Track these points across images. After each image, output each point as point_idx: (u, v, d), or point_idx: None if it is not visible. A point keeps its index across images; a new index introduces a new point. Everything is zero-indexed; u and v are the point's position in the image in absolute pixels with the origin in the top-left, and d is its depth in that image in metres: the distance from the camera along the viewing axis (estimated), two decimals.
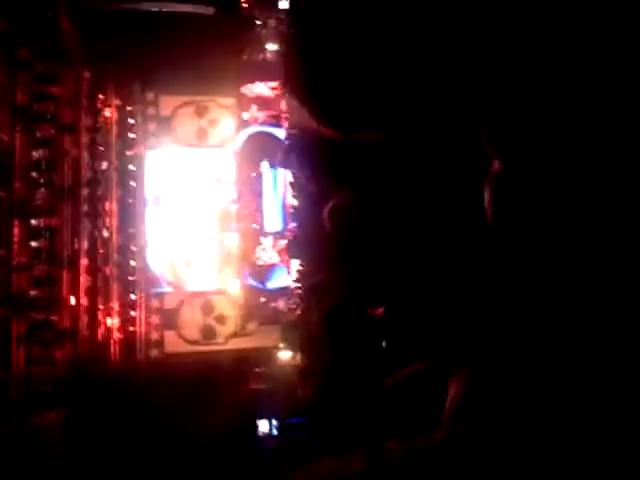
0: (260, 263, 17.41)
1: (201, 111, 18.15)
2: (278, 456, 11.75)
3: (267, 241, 17.44)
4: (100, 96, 17.00)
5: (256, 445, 13.65)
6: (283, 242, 16.11)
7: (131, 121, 17.71)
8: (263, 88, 17.29)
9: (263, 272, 17.40)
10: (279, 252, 16.58)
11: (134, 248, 17.50)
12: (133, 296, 17.28)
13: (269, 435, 13.76)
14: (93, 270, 16.36)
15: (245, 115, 17.80)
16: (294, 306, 14.85)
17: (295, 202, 14.10)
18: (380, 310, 2.60)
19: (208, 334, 17.50)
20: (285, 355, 14.45)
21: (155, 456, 12.96)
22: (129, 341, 17.16)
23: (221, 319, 17.57)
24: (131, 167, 17.69)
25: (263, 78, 17.05)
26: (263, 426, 13.89)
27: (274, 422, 13.79)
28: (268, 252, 17.35)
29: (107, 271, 16.84)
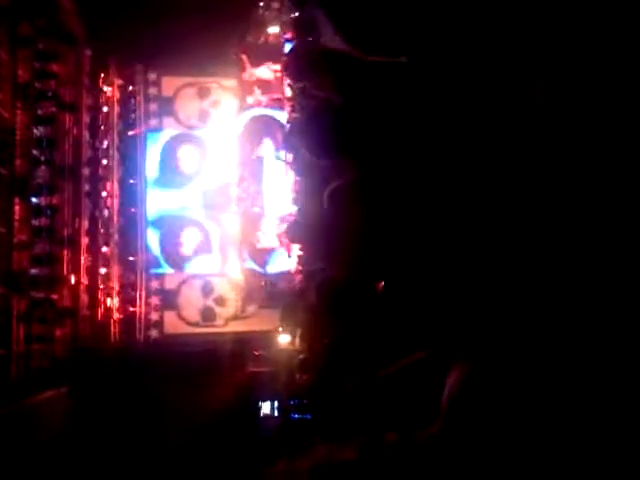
0: (260, 246, 17.42)
1: (203, 92, 18.05)
2: (279, 437, 11.86)
3: (267, 224, 17.43)
4: (102, 75, 16.91)
5: (257, 426, 13.74)
6: (283, 225, 16.09)
7: (133, 101, 17.62)
8: (266, 71, 17.18)
9: (263, 255, 17.41)
10: (279, 235, 16.57)
11: (134, 229, 17.51)
12: (133, 276, 17.32)
13: (270, 416, 13.84)
14: (94, 249, 16.39)
15: (249, 99, 17.70)
16: (294, 289, 14.88)
17: (296, 185, 14.07)
18: (381, 285, 2.59)
19: (208, 316, 17.55)
20: (284, 338, 14.49)
21: (154, 436, 13.06)
22: (129, 321, 17.22)
23: (221, 301, 17.62)
24: (132, 147, 17.64)
25: (266, 60, 16.93)
26: (264, 407, 13.97)
27: (275, 403, 13.86)
28: (268, 235, 17.35)
29: (108, 251, 16.86)
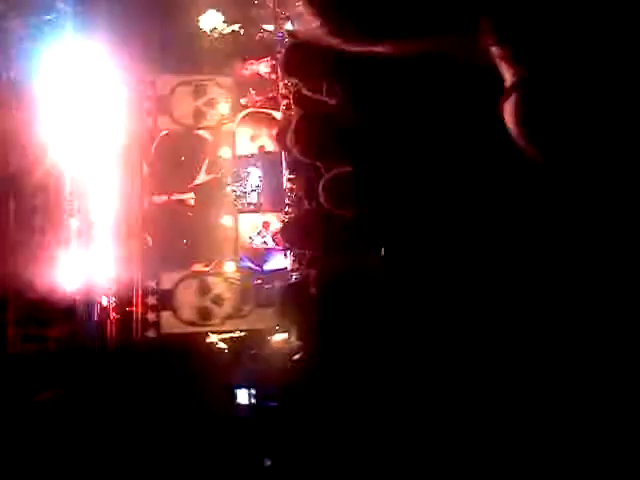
0: (256, 245, 17.40)
1: (199, 91, 18.01)
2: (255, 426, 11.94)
3: (263, 223, 17.41)
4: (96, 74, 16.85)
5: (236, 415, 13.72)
6: (279, 224, 16.06)
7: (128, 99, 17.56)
8: (261, 68, 17.15)
9: (259, 254, 17.39)
10: (275, 234, 16.55)
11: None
12: (129, 276, 17.26)
13: (245, 405, 13.81)
14: (89, 249, 16.33)
15: (244, 99, 17.68)
16: (290, 285, 14.87)
17: (291, 184, 14.05)
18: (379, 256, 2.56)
19: (204, 315, 17.52)
20: (280, 337, 14.47)
21: (151, 437, 13.05)
22: (125, 321, 17.18)
23: (217, 300, 17.59)
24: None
25: (261, 58, 16.91)
26: (240, 396, 13.93)
27: (251, 391, 13.83)
28: (264, 234, 17.33)
29: (103, 251, 16.81)
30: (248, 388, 14.27)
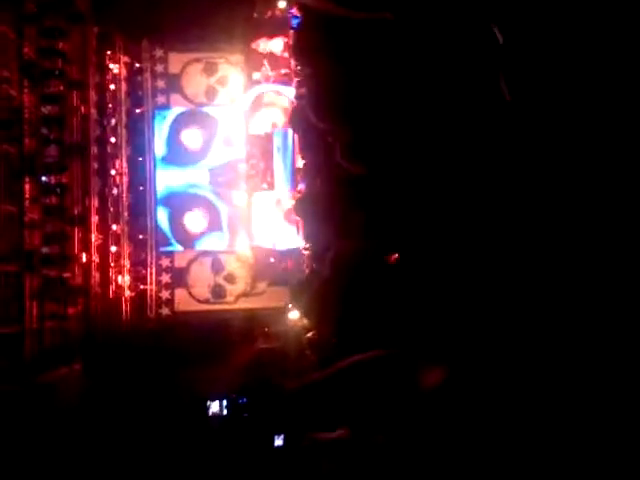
0: (268, 223, 17.41)
1: (210, 68, 17.91)
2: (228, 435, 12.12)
3: (276, 201, 17.40)
4: (108, 52, 16.80)
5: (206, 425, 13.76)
6: (292, 202, 16.04)
7: (140, 78, 17.52)
8: (273, 45, 17.00)
9: (272, 232, 17.40)
10: (288, 212, 16.54)
11: (143, 206, 17.54)
12: (143, 254, 17.40)
13: (219, 415, 13.84)
14: (104, 228, 16.45)
15: (256, 75, 17.56)
16: (303, 266, 14.92)
17: (304, 161, 14.00)
18: (394, 257, 2.58)
19: (218, 293, 17.64)
20: (294, 315, 14.54)
21: (165, 414, 13.20)
22: (140, 299, 17.34)
23: (231, 278, 17.68)
24: (140, 125, 17.58)
25: (273, 35, 16.75)
26: (213, 406, 13.94)
27: (224, 402, 13.83)
28: (277, 212, 17.32)
29: (118, 229, 16.92)
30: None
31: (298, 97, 12.78)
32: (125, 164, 17.29)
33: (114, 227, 16.82)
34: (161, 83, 17.89)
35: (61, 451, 11.93)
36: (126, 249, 17.15)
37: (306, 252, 13.05)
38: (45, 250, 14.00)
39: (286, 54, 16.22)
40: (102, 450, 12.03)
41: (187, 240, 17.84)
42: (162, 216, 17.76)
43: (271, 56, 17.15)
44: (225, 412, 13.62)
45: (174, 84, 17.92)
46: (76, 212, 15.17)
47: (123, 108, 17.25)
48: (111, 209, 16.74)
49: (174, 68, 17.92)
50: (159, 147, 17.81)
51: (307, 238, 12.39)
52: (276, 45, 16.92)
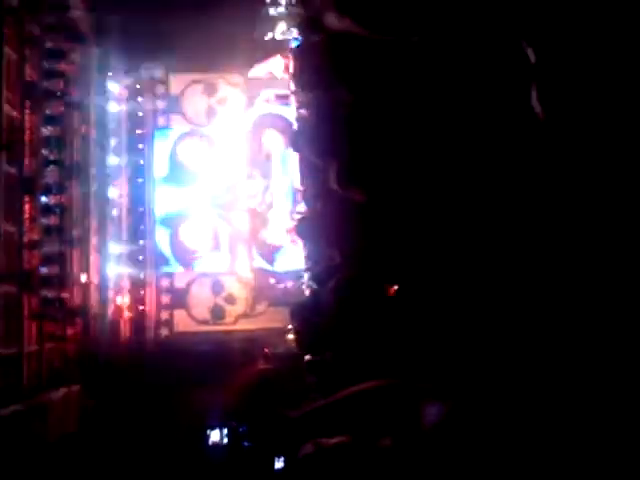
0: (269, 244, 17.38)
1: (210, 89, 18.02)
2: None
3: (277, 221, 17.39)
4: (109, 74, 16.91)
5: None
6: (292, 223, 16.04)
7: (140, 99, 17.62)
8: (273, 67, 17.10)
9: (272, 253, 17.37)
10: (288, 233, 16.52)
11: (143, 227, 17.53)
12: (142, 275, 17.35)
13: (219, 444, 13.69)
14: (103, 248, 16.42)
15: (255, 96, 17.66)
16: (304, 288, 14.86)
17: (304, 182, 14.02)
18: (393, 289, 2.54)
19: (217, 314, 17.55)
20: (294, 336, 14.47)
21: (165, 433, 13.07)
22: (139, 320, 17.26)
23: (231, 299, 17.61)
24: (140, 146, 17.64)
25: (273, 56, 16.86)
26: (214, 435, 13.80)
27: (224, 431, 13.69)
28: (277, 233, 17.30)
29: (117, 250, 16.89)
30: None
31: (298, 118, 12.81)
32: (125, 185, 17.32)
33: (113, 248, 16.80)
34: (161, 104, 17.99)
35: (59, 473, 11.79)
36: (125, 270, 17.12)
37: (306, 273, 12.99)
38: (44, 270, 13.95)
39: (286, 75, 16.31)
40: (100, 472, 11.89)
41: (187, 261, 17.80)
42: (162, 237, 17.74)
43: (271, 78, 17.25)
44: (225, 440, 13.45)
45: (174, 105, 18.02)
46: (75, 233, 15.15)
47: (123, 129, 17.33)
48: (110, 230, 16.73)
49: (174, 89, 18.03)
50: (159, 168, 17.85)
51: (307, 259, 12.33)
52: (276, 66, 17.02)
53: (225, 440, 13.38)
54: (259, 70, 17.32)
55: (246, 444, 12.20)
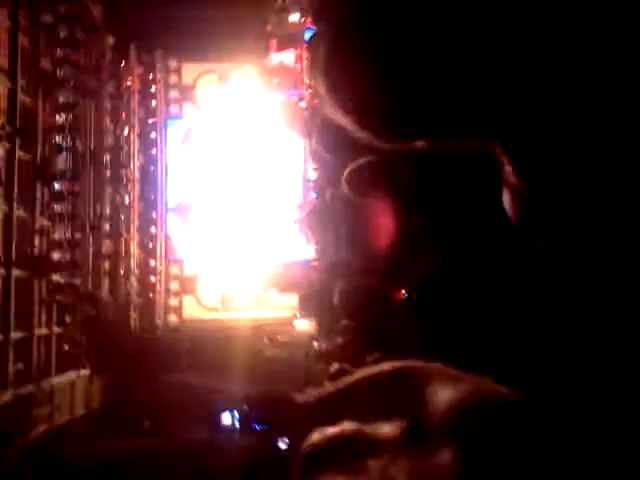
0: (280, 233, 17.46)
1: (224, 79, 18.06)
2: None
3: (287, 211, 17.46)
4: (122, 63, 16.97)
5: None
6: (303, 213, 16.09)
7: (153, 88, 17.69)
8: (286, 57, 17.11)
9: (282, 242, 17.45)
10: (298, 223, 16.58)
11: (155, 215, 17.65)
12: (153, 262, 17.49)
13: (230, 427, 13.77)
14: (114, 235, 16.55)
15: (268, 85, 17.67)
16: (313, 280, 14.94)
17: (315, 172, 14.06)
18: (401, 293, 2.59)
19: (227, 302, 17.68)
20: (302, 324, 14.56)
21: (173, 420, 13.21)
22: (148, 306, 17.41)
23: (240, 287, 17.73)
24: (153, 134, 17.73)
25: (286, 47, 16.86)
26: (225, 418, 13.87)
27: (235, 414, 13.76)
28: (287, 222, 17.37)
29: (128, 237, 17.03)
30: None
31: (311, 109, 12.83)
32: (137, 173, 17.43)
33: (124, 235, 16.93)
34: (174, 93, 18.06)
35: (67, 458, 11.96)
36: (136, 256, 17.25)
37: (315, 263, 13.07)
38: (55, 256, 14.09)
39: (299, 66, 16.31)
40: (107, 457, 12.05)
41: (197, 249, 17.93)
42: (173, 224, 17.86)
43: (284, 68, 17.26)
44: (235, 424, 13.58)
45: (187, 95, 18.08)
46: (87, 219, 15.29)
47: (136, 118, 17.41)
48: (122, 217, 16.86)
49: (188, 79, 18.09)
50: (171, 157, 17.94)
51: (316, 250, 12.39)
52: (289, 57, 17.02)
53: (235, 425, 13.51)
54: (272, 60, 17.33)
55: (257, 427, 12.31)
